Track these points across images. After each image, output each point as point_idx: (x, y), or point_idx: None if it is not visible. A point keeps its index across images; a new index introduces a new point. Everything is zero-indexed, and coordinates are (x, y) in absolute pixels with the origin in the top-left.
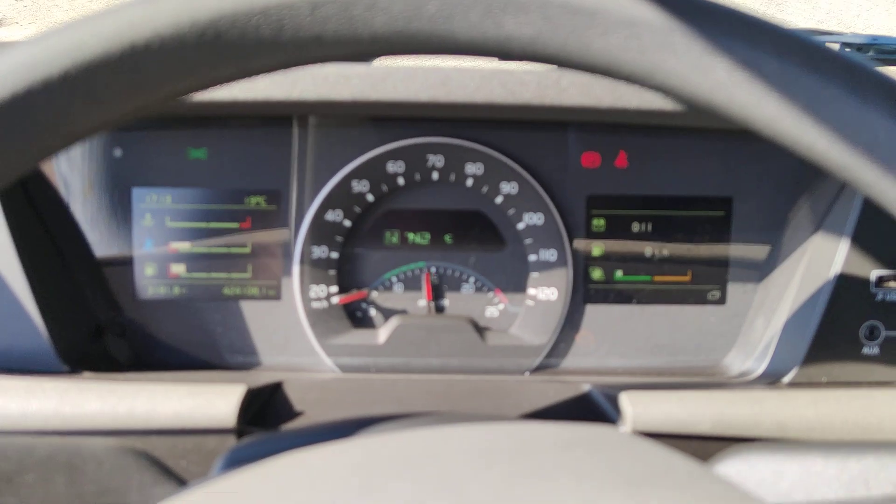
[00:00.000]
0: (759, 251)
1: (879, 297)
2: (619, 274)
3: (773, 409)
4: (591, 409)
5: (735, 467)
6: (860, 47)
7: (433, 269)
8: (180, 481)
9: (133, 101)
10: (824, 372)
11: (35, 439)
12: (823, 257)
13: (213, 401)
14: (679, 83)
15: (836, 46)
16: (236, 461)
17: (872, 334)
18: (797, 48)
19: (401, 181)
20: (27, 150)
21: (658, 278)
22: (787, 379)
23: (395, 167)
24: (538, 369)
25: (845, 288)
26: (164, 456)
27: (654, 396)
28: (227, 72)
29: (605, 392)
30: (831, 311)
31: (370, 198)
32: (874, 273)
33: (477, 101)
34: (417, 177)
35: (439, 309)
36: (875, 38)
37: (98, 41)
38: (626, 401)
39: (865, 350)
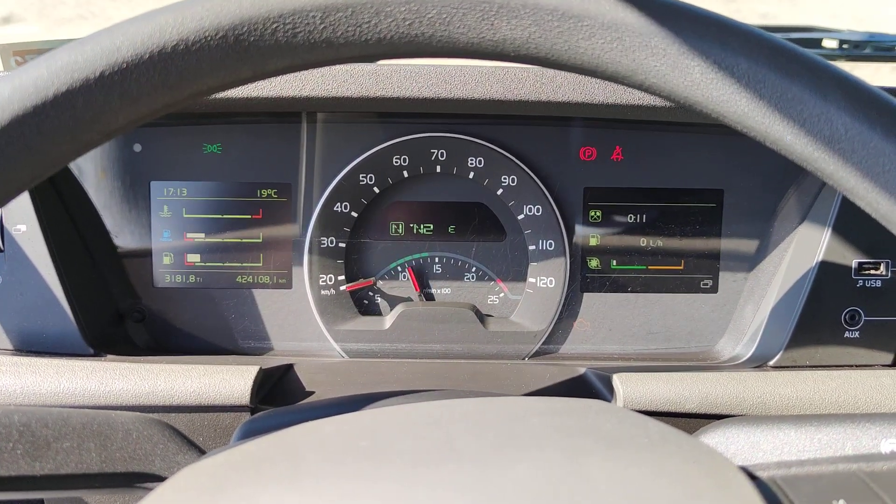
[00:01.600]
0: (748, 241)
1: (860, 283)
2: (614, 263)
3: (755, 389)
4: (586, 389)
5: (714, 440)
6: (858, 44)
7: (436, 259)
8: (201, 452)
9: (162, 100)
10: (808, 355)
11: (70, 410)
12: (808, 247)
13: (229, 380)
14: (659, 82)
15: (834, 43)
16: (252, 432)
17: (853, 319)
18: (766, 50)
19: (405, 174)
20: (68, 145)
21: (652, 267)
22: (772, 362)
23: (399, 161)
24: (537, 354)
25: (827, 275)
26: (183, 430)
27: (644, 378)
28: (246, 73)
29: (599, 374)
30: (814, 297)
31: (376, 190)
32: (855, 261)
33: (477, 98)
34: (421, 170)
35: (441, 297)
36: (872, 35)
37: (132, 45)
38: (618, 381)
39: (847, 334)
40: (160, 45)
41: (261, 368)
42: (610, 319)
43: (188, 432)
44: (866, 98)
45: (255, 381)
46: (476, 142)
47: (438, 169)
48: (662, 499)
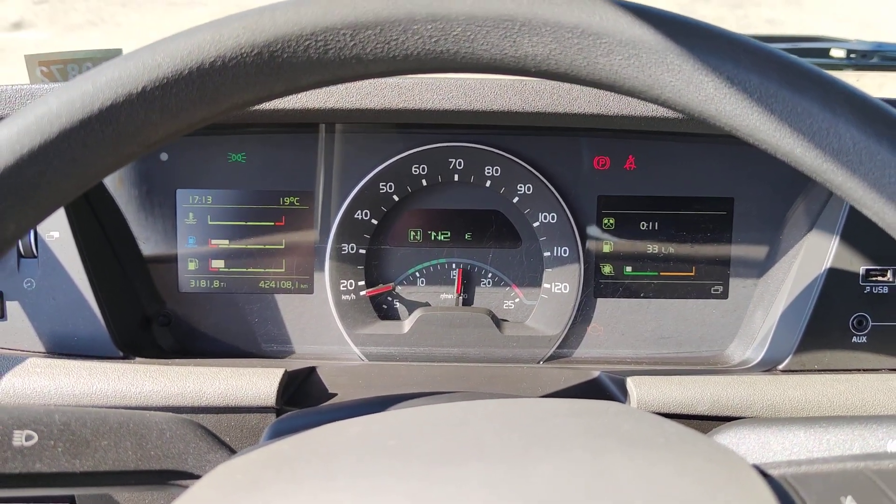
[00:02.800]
0: (758, 248)
1: (867, 290)
2: (627, 269)
3: (765, 392)
4: (600, 392)
5: (726, 440)
6: (865, 54)
7: (463, 266)
8: (230, 451)
9: (200, 113)
10: (816, 360)
11: (107, 410)
12: (816, 254)
13: (256, 382)
14: (674, 96)
15: (842, 52)
16: (281, 432)
17: (861, 325)
18: (776, 66)
19: (424, 182)
20: (111, 157)
21: (664, 274)
22: (781, 366)
23: (418, 170)
24: (551, 358)
25: (836, 282)
26: (212, 431)
27: (657, 381)
28: (279, 87)
29: (613, 377)
30: (823, 303)
31: (395, 198)
32: (862, 268)
33: (496, 110)
34: (439, 178)
35: (466, 302)
36: (880, 44)
37: (172, 61)
38: (632, 384)
39: (854, 339)
40: (199, 61)
41: (286, 371)
42: (623, 324)
43: (216, 432)
44: (873, 112)
45: (280, 383)
46: (493, 151)
47: (456, 178)
48: (682, 496)
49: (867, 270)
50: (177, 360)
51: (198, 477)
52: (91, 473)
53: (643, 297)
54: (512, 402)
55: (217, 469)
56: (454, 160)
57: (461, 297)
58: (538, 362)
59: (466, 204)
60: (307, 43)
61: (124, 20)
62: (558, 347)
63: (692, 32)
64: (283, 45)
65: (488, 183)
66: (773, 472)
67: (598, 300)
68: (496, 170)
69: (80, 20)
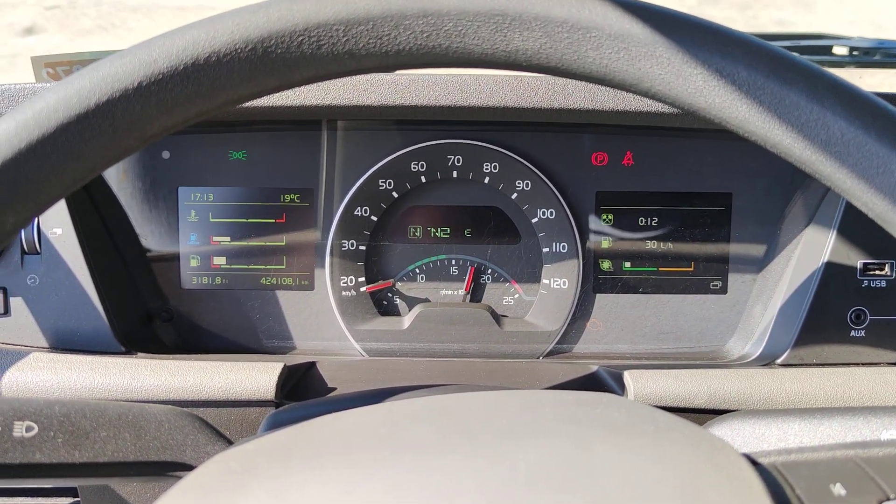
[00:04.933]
0: (757, 243)
1: (865, 284)
2: (626, 265)
3: (762, 385)
4: (599, 386)
5: (721, 431)
6: (867, 51)
7: (453, 261)
8: (229, 443)
9: (195, 108)
10: (814, 354)
11: (107, 402)
12: (814, 248)
13: (255, 376)
14: (664, 89)
15: (844, 50)
16: (278, 423)
17: (859, 319)
18: (764, 58)
19: (423, 179)
20: (108, 151)
21: (663, 269)
22: (780, 360)
23: (417, 166)
24: (551, 353)
25: (833, 276)
26: (212, 424)
27: (654, 374)
28: (273, 83)
29: (611, 372)
30: (821, 297)
31: (395, 195)
32: (860, 262)
33: (492, 105)
34: (438, 175)
35: (458, 298)
36: (882, 41)
37: (167, 57)
38: (629, 378)
39: (853, 333)
40: (193, 56)
41: (285, 365)
42: (622, 319)
43: (217, 425)
44: (861, 103)
45: (279, 378)
46: (491, 148)
47: (455, 174)
48: (668, 482)
49: (865, 264)
50: (178, 356)
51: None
52: (90, 464)
53: (642, 293)
54: (503, 393)
55: (214, 458)
56: (453, 157)
57: (468, 295)
58: (538, 357)
59: (465, 200)
60: (300, 38)
61: (135, 25)
62: (557, 343)
63: (681, 26)
64: (276, 41)
65: (487, 179)
66: (763, 461)
67: (597, 296)
68: (494, 166)
69: (90, 25)
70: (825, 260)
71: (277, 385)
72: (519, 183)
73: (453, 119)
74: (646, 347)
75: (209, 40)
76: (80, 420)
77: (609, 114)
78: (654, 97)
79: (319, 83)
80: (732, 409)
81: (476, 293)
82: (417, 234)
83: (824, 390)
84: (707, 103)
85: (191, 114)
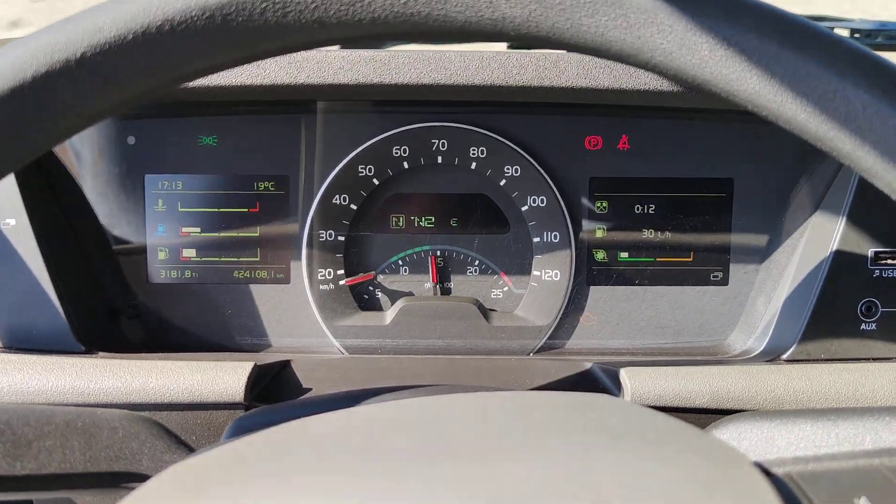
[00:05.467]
0: (760, 232)
1: (876, 273)
2: (622, 255)
3: (767, 383)
4: (593, 385)
5: (726, 435)
6: (869, 33)
7: (438, 252)
8: (191, 450)
9: (147, 83)
10: (822, 348)
11: (55, 407)
12: (822, 236)
13: (223, 377)
14: (665, 60)
15: (845, 32)
16: (243, 429)
17: (870, 311)
18: (777, 25)
19: (405, 165)
20: (50, 129)
21: (661, 259)
22: (785, 356)
23: (399, 151)
24: (542, 350)
25: (843, 266)
26: (176, 429)
27: (652, 372)
28: (235, 55)
29: (606, 369)
30: (829, 288)
31: (375, 181)
32: (871, 250)
33: (478, 84)
34: (422, 160)
35: (445, 291)
36: (884, 23)
37: (115, 25)
38: (626, 376)
39: (863, 326)
40: (144, 25)
41: (255, 365)
42: (617, 313)
43: (181, 431)
44: (885, 73)
45: (249, 378)
46: (478, 131)
47: (440, 159)
48: (674, 497)
49: (876, 253)
50: (142, 355)
51: None
52: (36, 476)
53: (638, 285)
54: (491, 395)
55: (167, 470)
56: (437, 141)
57: (438, 286)
58: (528, 354)
59: (451, 187)
60: (264, 5)
61: None
62: (549, 338)
63: None
64: (237, 8)
65: (473, 165)
66: (778, 471)
67: (591, 288)
68: (482, 151)
69: None
70: (834, 249)
71: (247, 386)
72: (508, 168)
73: (437, 100)
74: (643, 342)
75: (162, 7)
76: (23, 428)
77: (604, 92)
78: (654, 69)
79: (294, 61)
80: (736, 408)
81: (457, 284)
82: (400, 223)
83: (835, 388)
84: (713, 75)
85: (142, 90)
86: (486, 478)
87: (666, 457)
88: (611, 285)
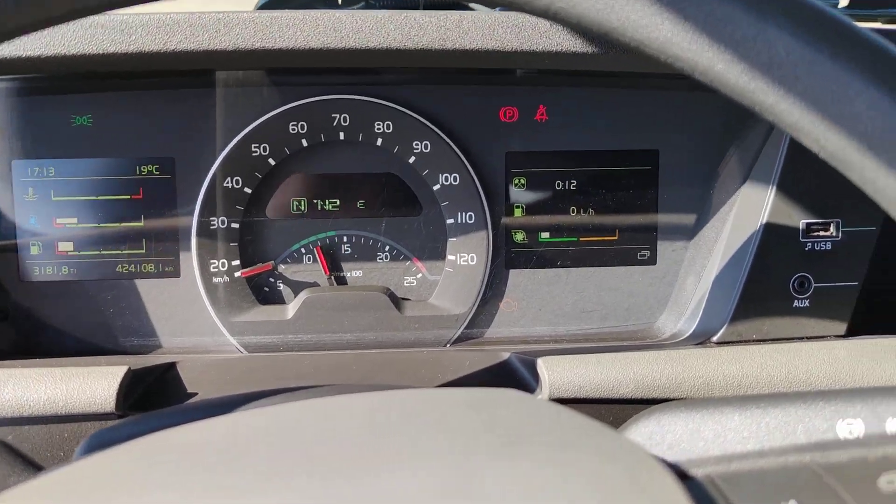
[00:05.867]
0: (688, 207)
1: (808, 247)
2: (542, 236)
3: (696, 368)
4: (510, 376)
5: (647, 428)
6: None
7: (340, 239)
8: (39, 470)
9: None
10: (755, 328)
11: None
12: (751, 209)
13: (91, 384)
14: (566, 6)
15: None
16: (101, 445)
17: (802, 287)
18: None
19: (304, 143)
20: None
21: (584, 239)
22: (716, 338)
23: (297, 128)
24: (459, 340)
25: (773, 240)
26: (40, 446)
27: (572, 361)
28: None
29: (525, 359)
30: (759, 264)
31: (271, 162)
32: (803, 222)
33: (372, 47)
34: (322, 137)
35: (353, 281)
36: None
37: None
38: (543, 366)
39: (796, 303)
40: None
41: (129, 369)
42: (539, 298)
43: (45, 447)
44: (811, 14)
45: (121, 385)
46: (382, 104)
47: (342, 136)
48: None
49: (808, 225)
50: (8, 362)
51: None
52: None
53: (561, 267)
54: (385, 394)
55: (4, 493)
56: (338, 115)
57: (333, 277)
58: (444, 345)
59: (356, 167)
60: None
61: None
62: (467, 327)
63: None
64: None
65: (379, 141)
66: (697, 472)
67: (511, 272)
68: (387, 125)
69: None
70: (763, 222)
71: (119, 393)
72: (417, 144)
73: (335, 69)
74: (567, 329)
75: None
76: None
77: (514, 55)
78: (554, 18)
79: (158, 21)
80: (663, 397)
81: (373, 274)
82: (301, 207)
83: (766, 371)
84: (620, 22)
85: None
86: (360, 489)
87: (567, 463)
88: (531, 268)
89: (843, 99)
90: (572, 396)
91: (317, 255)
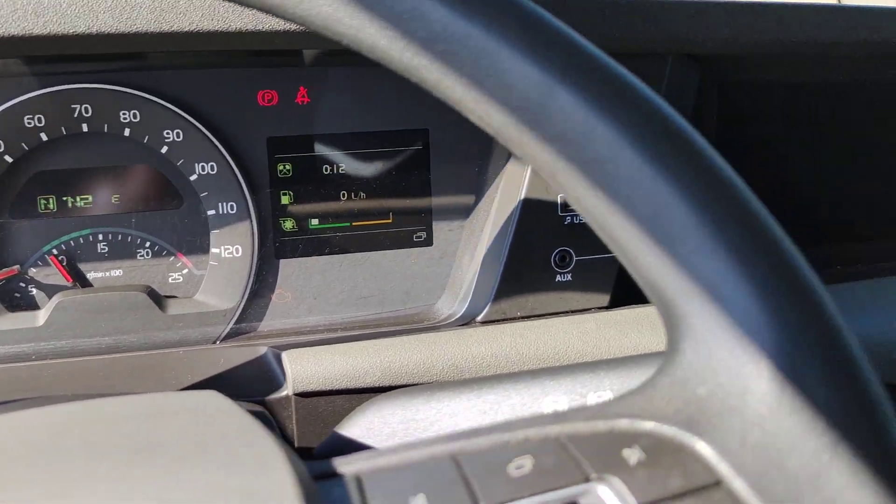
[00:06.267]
0: (461, 185)
1: (567, 221)
2: (313, 223)
3: (444, 352)
4: (264, 372)
5: (369, 417)
6: None
7: (100, 236)
8: None
9: None
10: (518, 305)
11: None
12: (513, 185)
13: None
14: None
15: None
16: None
17: (564, 261)
18: None
19: (44, 137)
20: None
21: (357, 224)
22: (480, 317)
23: (34, 121)
24: (230, 336)
25: (532, 215)
26: None
27: (317, 353)
28: None
29: (277, 354)
30: (520, 240)
31: (8, 159)
32: (560, 196)
33: (79, 32)
34: (63, 130)
35: (111, 280)
36: None
37: None
38: (287, 360)
39: (559, 278)
40: None
41: None
42: (314, 287)
43: None
44: None
45: None
46: (126, 91)
47: (85, 128)
48: None
49: (565, 199)
50: None
51: None
52: None
53: (334, 254)
54: (74, 405)
55: None
56: (79, 106)
57: (77, 283)
58: (214, 342)
59: (106, 160)
60: None
61: None
62: (237, 322)
63: None
64: None
65: (127, 131)
66: (346, 469)
67: (281, 262)
68: (134, 114)
69: None
70: (522, 197)
71: None
72: (168, 133)
73: (66, 55)
74: (343, 316)
75: None
76: None
77: (238, 36)
78: None
79: None
80: (412, 382)
81: (134, 272)
82: (50, 205)
83: (516, 350)
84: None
85: None
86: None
87: (189, 471)
88: (303, 257)
89: (498, 73)
90: (317, 389)
91: (72, 256)
